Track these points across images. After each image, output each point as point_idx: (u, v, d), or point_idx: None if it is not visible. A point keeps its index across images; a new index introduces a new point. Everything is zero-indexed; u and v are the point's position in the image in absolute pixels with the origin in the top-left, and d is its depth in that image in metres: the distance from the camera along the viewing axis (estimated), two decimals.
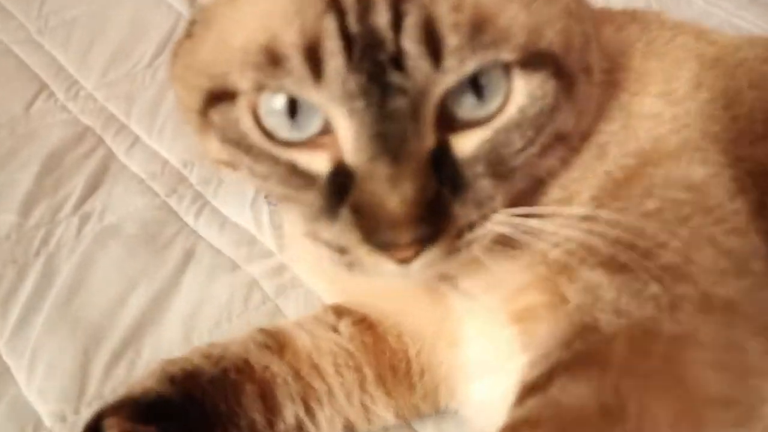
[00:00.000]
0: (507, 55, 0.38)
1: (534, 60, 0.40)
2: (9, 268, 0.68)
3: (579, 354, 0.40)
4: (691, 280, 0.42)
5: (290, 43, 0.37)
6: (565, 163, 0.47)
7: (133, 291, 0.65)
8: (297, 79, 0.37)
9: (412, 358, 0.56)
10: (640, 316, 0.40)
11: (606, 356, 0.39)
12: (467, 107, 0.40)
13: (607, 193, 0.46)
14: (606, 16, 0.59)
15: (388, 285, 0.54)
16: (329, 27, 0.37)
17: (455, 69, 0.37)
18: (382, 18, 0.37)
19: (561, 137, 0.44)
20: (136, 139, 0.88)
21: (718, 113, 0.50)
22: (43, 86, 0.98)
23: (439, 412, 0.56)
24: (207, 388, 0.51)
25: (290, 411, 0.53)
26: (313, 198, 0.41)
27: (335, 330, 0.57)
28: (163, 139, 0.88)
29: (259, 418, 0.52)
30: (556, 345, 0.41)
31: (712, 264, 0.43)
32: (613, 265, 0.44)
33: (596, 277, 0.44)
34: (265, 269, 0.69)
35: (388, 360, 0.56)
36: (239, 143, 0.41)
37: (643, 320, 0.40)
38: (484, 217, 0.42)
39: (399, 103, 0.37)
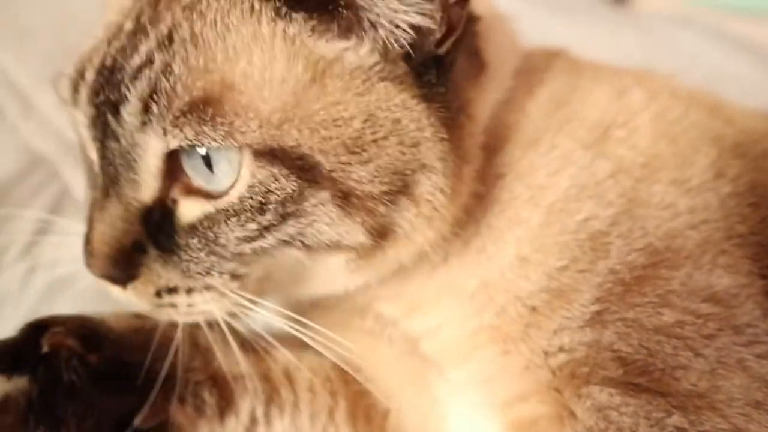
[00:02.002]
0: (238, 140, 0.39)
1: (271, 154, 0.40)
2: None
3: None
4: (719, 412, 0.40)
5: (69, 70, 0.45)
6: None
7: None
8: (67, 103, 0.45)
9: (391, 417, 0.53)
10: None
11: None
12: (201, 177, 0.41)
13: (615, 297, 0.44)
14: (604, 75, 0.55)
15: (368, 352, 0.53)
16: (94, 59, 0.43)
17: (162, 135, 0.40)
18: (129, 65, 0.41)
19: (336, 246, 0.43)
20: None
21: (745, 211, 0.47)
22: None
23: None
24: (158, 347, 0.46)
25: (247, 406, 0.49)
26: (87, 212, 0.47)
27: (321, 355, 0.53)
28: None
29: (209, 398, 0.48)
30: None
31: (743, 393, 0.40)
32: (627, 385, 0.42)
33: (608, 397, 0.42)
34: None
35: (365, 404, 0.53)
36: None
37: None
38: (193, 288, 0.43)
39: (113, 145, 0.42)
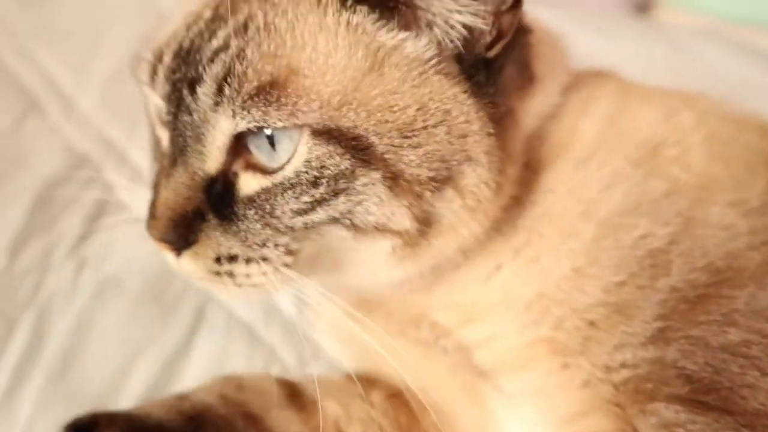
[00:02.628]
0: (300, 120, 0.42)
1: (329, 133, 0.43)
2: None
3: None
4: None
5: (147, 55, 0.48)
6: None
7: (137, 360, 0.60)
8: (144, 83, 0.48)
9: None
10: None
11: None
12: (264, 154, 0.44)
13: (679, 315, 0.44)
14: (654, 96, 0.56)
15: (424, 364, 0.53)
16: (171, 44, 0.47)
17: (232, 115, 0.43)
18: (207, 48, 0.44)
19: (383, 229, 0.45)
20: (138, 174, 0.82)
21: None
22: (34, 103, 0.91)
23: None
24: (211, 429, 0.48)
25: None
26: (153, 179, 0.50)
27: (367, 400, 0.55)
28: None
29: None
30: None
31: None
32: (693, 403, 0.42)
33: (674, 414, 0.42)
34: (283, 337, 0.64)
35: None
36: None
37: None
38: (250, 259, 0.45)
39: (185, 118, 0.45)
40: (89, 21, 1.06)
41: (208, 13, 0.47)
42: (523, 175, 0.50)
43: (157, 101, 0.47)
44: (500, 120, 0.47)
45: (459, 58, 0.46)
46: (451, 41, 0.45)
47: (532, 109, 0.52)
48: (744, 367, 0.42)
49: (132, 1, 1.11)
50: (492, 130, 0.46)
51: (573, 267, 0.47)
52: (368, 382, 0.56)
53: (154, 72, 0.47)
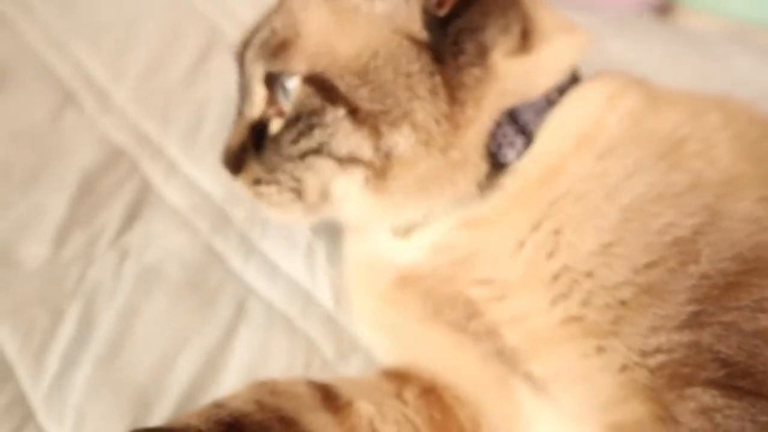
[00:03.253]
0: (291, 67, 0.55)
1: (312, 79, 0.54)
2: (41, 310, 0.63)
3: None
4: None
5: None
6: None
7: (182, 348, 0.61)
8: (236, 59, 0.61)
9: None
10: None
11: None
12: (283, 99, 0.56)
13: (711, 300, 0.45)
14: (682, 99, 0.57)
15: (451, 353, 0.55)
16: (249, 30, 0.60)
17: (261, 67, 0.56)
18: (262, 24, 0.58)
19: (357, 161, 0.54)
20: (174, 165, 0.83)
21: None
22: (70, 95, 0.93)
23: None
24: None
25: None
26: None
27: (400, 398, 0.56)
28: (203, 166, 0.83)
29: None
30: None
31: None
32: (729, 387, 0.43)
33: (712, 398, 0.42)
34: (322, 329, 0.65)
35: None
36: None
37: None
38: (269, 183, 0.58)
39: (242, 78, 0.59)
40: (122, 15, 1.07)
41: (276, 4, 0.59)
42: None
43: (237, 69, 0.61)
44: (468, 67, 0.53)
45: (427, 14, 0.54)
46: (404, 3, 0.54)
47: (519, 69, 0.55)
48: None
49: None
50: (437, 75, 0.52)
51: (600, 243, 0.48)
52: (402, 378, 0.57)
53: (236, 48, 0.61)
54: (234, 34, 1.05)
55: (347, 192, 0.57)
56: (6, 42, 1.01)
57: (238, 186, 0.60)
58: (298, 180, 0.56)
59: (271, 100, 0.57)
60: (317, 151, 0.54)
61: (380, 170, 0.54)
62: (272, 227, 0.76)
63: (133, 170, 0.82)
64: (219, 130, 0.88)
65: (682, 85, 1.16)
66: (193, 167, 0.83)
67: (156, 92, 0.95)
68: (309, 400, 0.52)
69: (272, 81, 0.56)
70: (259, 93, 0.57)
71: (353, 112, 0.53)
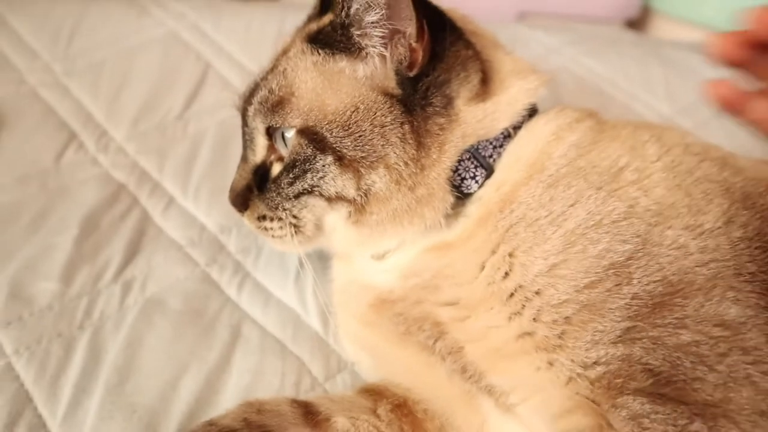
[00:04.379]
0: (287, 122, 0.63)
1: (305, 131, 0.62)
2: (55, 343, 0.69)
3: None
4: (731, 420, 0.47)
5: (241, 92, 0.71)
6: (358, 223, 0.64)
7: (184, 373, 0.67)
8: (238, 110, 0.71)
9: None
10: None
11: None
12: (282, 147, 0.65)
13: (641, 319, 0.51)
14: (624, 132, 0.63)
15: (419, 370, 0.62)
16: (249, 86, 0.69)
17: (262, 122, 0.65)
18: (260, 83, 0.67)
19: (343, 199, 0.62)
20: (171, 200, 0.90)
21: (755, 253, 0.54)
22: (72, 135, 0.99)
23: None
24: None
25: None
26: None
27: (374, 413, 0.62)
28: (199, 200, 0.90)
29: None
30: None
31: (751, 404, 0.47)
32: (655, 395, 0.49)
33: (640, 405, 0.49)
34: (312, 351, 0.72)
35: None
36: None
37: None
38: (273, 217, 0.66)
39: (246, 128, 0.68)
40: (118, 55, 1.14)
41: (270, 65, 0.68)
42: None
43: (240, 120, 0.69)
44: (434, 117, 0.62)
45: (399, 72, 0.62)
46: (381, 64, 0.62)
47: (480, 113, 0.63)
48: (694, 363, 0.49)
49: (155, 34, 1.20)
50: (406, 123, 0.61)
51: (547, 265, 0.55)
52: (377, 394, 0.64)
53: (238, 100, 0.70)
54: (223, 70, 1.13)
55: (335, 225, 0.65)
56: (9, 85, 1.07)
57: (245, 221, 0.69)
58: (296, 216, 0.65)
59: (272, 148, 0.66)
60: (310, 191, 0.63)
61: (361, 206, 0.62)
62: (264, 257, 0.83)
63: (134, 206, 0.88)
64: (212, 164, 0.96)
65: (651, 98, 1.22)
66: (189, 201, 0.90)
67: (152, 130, 1.02)
68: (291, 416, 0.59)
69: (272, 133, 0.65)
70: (261, 143, 0.66)
71: (339, 159, 0.61)
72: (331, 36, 0.63)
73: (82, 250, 0.80)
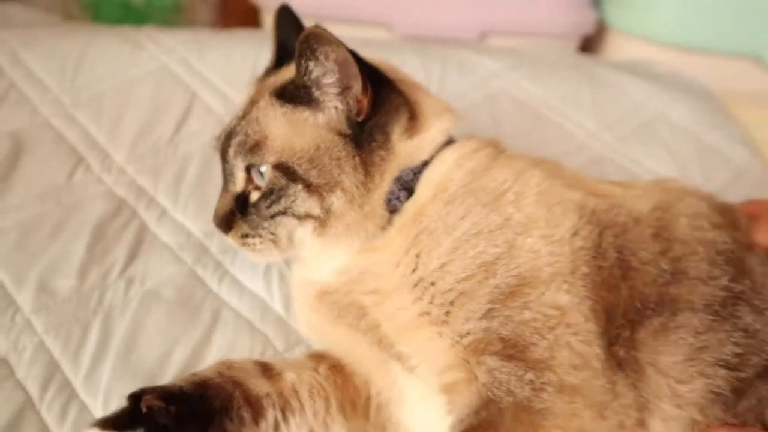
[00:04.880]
0: (264, 160, 0.78)
1: (279, 166, 0.77)
2: (75, 325, 0.90)
3: (483, 421, 0.63)
4: (553, 371, 0.65)
5: (218, 134, 0.88)
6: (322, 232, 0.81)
7: (175, 347, 0.88)
8: (217, 150, 0.88)
9: (372, 398, 0.80)
10: (521, 396, 0.63)
11: (498, 425, 0.62)
12: (258, 179, 0.80)
13: (499, 303, 0.70)
14: (514, 161, 0.82)
15: (349, 343, 0.81)
16: (225, 130, 0.85)
17: (242, 161, 0.80)
18: (234, 129, 0.82)
19: (311, 217, 0.79)
20: (164, 212, 1.10)
21: (588, 260, 0.72)
22: (80, 159, 1.18)
23: None
24: (211, 392, 0.75)
25: (271, 414, 0.76)
26: None
27: (316, 370, 0.82)
28: (187, 211, 1.10)
29: (246, 415, 0.75)
30: (469, 413, 0.64)
31: (567, 361, 0.65)
32: (504, 355, 0.67)
33: (494, 362, 0.67)
34: (275, 330, 0.93)
35: (351, 395, 0.80)
36: None
37: (523, 398, 0.63)
38: (254, 236, 0.81)
39: (226, 166, 0.82)
40: (117, 88, 1.33)
41: (241, 112, 0.84)
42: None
43: (219, 157, 0.84)
44: (377, 151, 0.79)
45: (349, 119, 0.78)
46: (335, 113, 0.78)
47: (409, 148, 0.81)
48: (532, 334, 0.67)
49: (148, 68, 1.40)
50: (357, 156, 0.78)
51: (440, 263, 0.73)
52: (319, 358, 0.83)
53: (217, 142, 0.85)
54: (207, 99, 1.34)
55: (303, 238, 0.81)
56: (25, 116, 1.27)
57: (230, 240, 0.84)
58: (273, 233, 0.80)
59: (250, 180, 0.80)
60: (284, 212, 0.78)
61: (324, 221, 0.78)
62: (240, 257, 1.03)
63: (133, 217, 1.08)
64: (198, 181, 1.16)
65: (580, 116, 1.42)
66: (178, 213, 1.10)
67: (147, 153, 1.22)
68: (253, 371, 0.79)
69: (250, 168, 0.80)
70: (240, 176, 0.81)
71: (307, 186, 0.77)
72: (296, 93, 0.79)
73: (93, 254, 1.00)
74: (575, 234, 0.73)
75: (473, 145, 0.84)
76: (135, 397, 0.71)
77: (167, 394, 0.72)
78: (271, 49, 0.90)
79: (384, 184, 0.79)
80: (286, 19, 0.88)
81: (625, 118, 1.46)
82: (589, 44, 2.23)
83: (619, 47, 2.05)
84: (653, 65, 1.75)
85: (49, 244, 1.01)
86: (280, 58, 0.89)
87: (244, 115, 0.82)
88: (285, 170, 0.77)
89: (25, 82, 1.34)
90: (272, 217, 0.79)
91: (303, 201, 0.77)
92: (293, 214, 0.78)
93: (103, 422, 0.69)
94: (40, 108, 1.29)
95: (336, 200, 0.77)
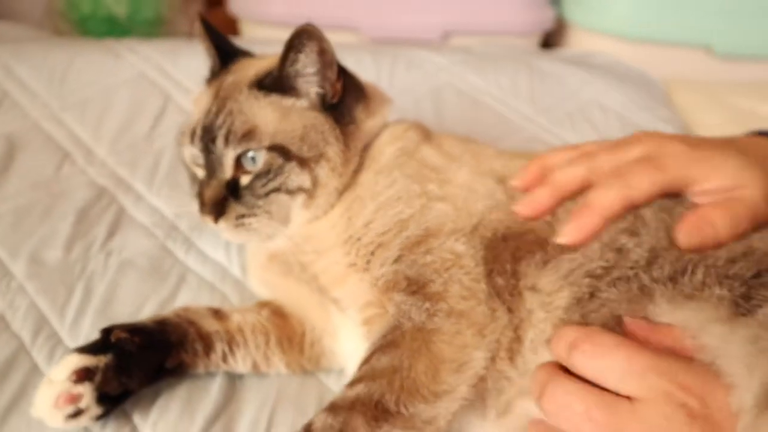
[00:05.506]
0: (260, 144, 0.85)
1: (274, 148, 0.85)
2: (61, 288, 1.06)
3: (388, 342, 0.77)
4: (445, 301, 0.78)
5: (185, 130, 0.94)
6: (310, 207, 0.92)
7: (145, 303, 1.04)
8: (185, 144, 0.94)
9: (306, 334, 0.96)
10: (419, 320, 0.77)
11: (400, 343, 0.76)
12: (249, 164, 0.86)
13: (407, 250, 0.84)
14: (438, 140, 0.97)
15: (294, 292, 0.96)
16: (198, 126, 0.90)
17: (233, 149, 0.86)
18: (216, 123, 0.87)
19: (302, 190, 0.88)
20: (140, 197, 1.27)
21: (491, 228, 0.85)
22: (67, 154, 1.35)
23: (319, 370, 0.96)
24: (170, 329, 0.91)
25: (219, 347, 0.92)
26: (196, 191, 0.91)
27: (259, 313, 0.97)
28: (161, 196, 1.27)
29: (199, 347, 0.91)
30: (380, 338, 0.78)
31: (458, 293, 0.79)
32: (408, 291, 0.81)
33: (401, 297, 0.81)
34: (232, 289, 1.10)
35: (288, 333, 0.96)
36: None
37: (419, 322, 0.77)
38: (251, 215, 0.87)
39: (212, 157, 0.87)
40: (99, 92, 1.50)
41: (213, 109, 0.89)
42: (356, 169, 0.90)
43: (194, 152, 0.90)
44: (348, 126, 0.91)
45: (323, 102, 0.89)
46: (315, 97, 0.89)
47: (368, 125, 0.94)
48: (432, 273, 0.79)
49: (128, 75, 1.58)
50: (337, 129, 0.88)
51: (365, 222, 0.87)
52: (263, 304, 0.99)
53: (192, 137, 0.89)
54: (180, 100, 1.51)
55: (293, 211, 0.89)
56: (16, 119, 1.44)
57: (220, 227, 0.88)
58: (268, 211, 0.87)
59: (238, 167, 0.87)
60: (278, 189, 0.86)
61: (311, 192, 0.87)
62: (206, 233, 1.20)
63: (113, 202, 1.25)
64: (170, 172, 1.33)
65: (518, 102, 1.58)
66: (153, 198, 1.27)
67: (126, 148, 1.39)
68: (205, 314, 0.94)
69: (240, 156, 0.86)
70: (229, 164, 0.86)
71: (300, 162, 0.85)
72: (279, 83, 0.88)
73: (77, 231, 1.16)
74: (493, 209, 0.86)
75: (403, 126, 1.01)
76: (106, 331, 0.87)
77: (132, 328, 0.88)
78: (210, 54, 1.01)
79: (355, 156, 0.92)
80: (209, 28, 1.00)
81: (560, 104, 1.62)
82: (551, 41, 2.38)
83: (578, 42, 2.19)
84: (596, 56, 1.90)
85: (40, 224, 1.18)
86: (223, 59, 1.00)
87: (219, 110, 0.89)
88: (280, 150, 0.85)
89: (17, 91, 1.51)
90: (267, 195, 0.86)
91: (296, 176, 0.86)
92: (286, 190, 0.87)
93: (80, 349, 0.84)
94: (31, 112, 1.46)
95: (321, 170, 0.88)
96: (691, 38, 1.89)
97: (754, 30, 1.96)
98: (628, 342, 0.69)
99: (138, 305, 1.04)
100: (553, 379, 0.68)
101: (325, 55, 0.90)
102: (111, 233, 1.18)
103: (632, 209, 0.81)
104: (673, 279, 0.74)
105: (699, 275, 0.73)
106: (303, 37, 0.87)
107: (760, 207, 0.76)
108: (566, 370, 0.70)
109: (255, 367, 0.94)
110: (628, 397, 0.64)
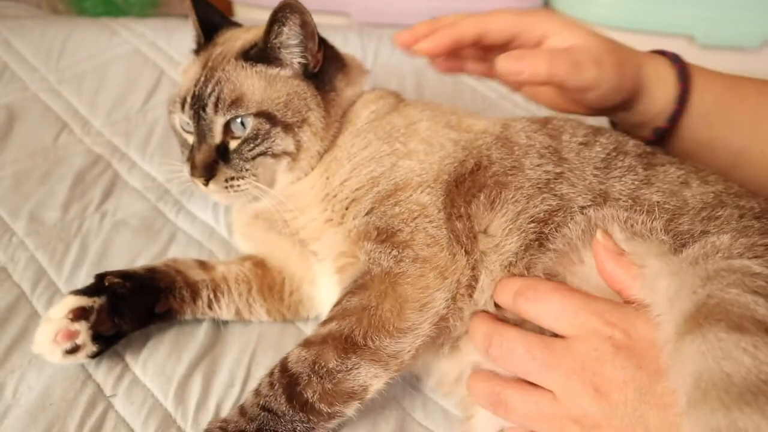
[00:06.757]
0: (248, 111, 0.92)
1: (261, 114, 0.92)
2: (58, 244, 1.15)
3: (358, 285, 0.85)
4: (411, 248, 0.86)
5: (176, 99, 0.99)
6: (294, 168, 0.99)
7: (137, 259, 1.13)
8: (176, 111, 0.99)
9: (286, 284, 1.05)
10: (386, 266, 0.85)
11: (369, 285, 0.84)
12: (238, 130, 0.93)
13: (378, 203, 0.93)
14: (408, 107, 1.05)
15: (276, 245, 1.05)
16: (189, 95, 0.95)
17: (223, 115, 0.92)
18: (206, 91, 0.94)
19: (286, 153, 0.95)
20: (134, 164, 1.37)
21: (451, 170, 0.93)
22: (65, 125, 1.45)
23: (297, 319, 1.05)
24: (159, 276, 1.00)
25: (205, 294, 1.01)
26: (187, 156, 0.98)
27: (242, 265, 1.06)
28: (153, 164, 1.36)
29: (186, 294, 1.00)
30: (351, 283, 0.86)
31: (422, 241, 0.87)
32: (377, 239, 0.89)
33: (371, 245, 0.89)
34: (219, 247, 1.19)
35: (268, 282, 1.04)
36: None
37: (387, 267, 0.85)
38: (239, 178, 0.94)
39: (203, 123, 0.93)
40: (96, 67, 1.59)
41: (202, 78, 0.95)
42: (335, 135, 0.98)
43: (183, 118, 0.96)
44: (329, 94, 0.98)
45: (306, 71, 0.96)
46: (298, 67, 0.95)
47: (347, 93, 1.01)
48: (401, 222, 0.87)
49: (123, 50, 1.66)
50: (318, 96, 0.95)
51: (341, 180, 0.96)
52: (247, 257, 1.07)
53: (182, 105, 0.95)
54: (173, 75, 1.60)
55: (279, 174, 0.96)
56: (18, 92, 1.53)
57: (210, 189, 0.94)
58: (254, 174, 0.93)
59: (227, 132, 0.93)
60: (264, 153, 0.92)
61: (295, 156, 0.94)
62: (195, 196, 1.29)
63: (108, 168, 1.35)
64: (162, 141, 1.42)
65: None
66: (146, 165, 1.37)
67: (121, 119, 1.49)
68: (192, 264, 1.03)
69: (229, 122, 0.92)
70: (218, 130, 0.93)
71: (285, 127, 0.92)
72: (266, 54, 0.94)
73: (74, 194, 1.25)
74: (445, 157, 0.95)
75: (378, 93, 1.09)
76: (100, 276, 0.96)
77: (124, 274, 0.97)
78: (195, 27, 1.08)
79: (336, 122, 0.99)
80: (199, 3, 1.08)
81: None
82: None
83: None
84: None
85: (39, 187, 1.27)
86: (207, 34, 1.07)
87: (207, 79, 0.95)
88: (266, 116, 0.92)
89: (16, 64, 1.60)
90: (254, 158, 0.92)
91: (281, 140, 0.93)
92: (272, 154, 0.93)
93: (76, 291, 0.93)
94: (29, 85, 1.55)
95: (304, 135, 0.94)
96: (673, 27, 1.95)
97: (736, 20, 1.99)
98: (563, 287, 0.79)
99: (130, 260, 1.13)
100: (496, 330, 0.79)
101: (306, 27, 0.97)
102: (106, 196, 1.27)
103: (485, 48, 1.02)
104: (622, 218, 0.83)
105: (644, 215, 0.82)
106: (286, 10, 0.94)
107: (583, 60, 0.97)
108: (501, 322, 0.82)
109: (238, 313, 1.03)
110: (564, 337, 0.75)
